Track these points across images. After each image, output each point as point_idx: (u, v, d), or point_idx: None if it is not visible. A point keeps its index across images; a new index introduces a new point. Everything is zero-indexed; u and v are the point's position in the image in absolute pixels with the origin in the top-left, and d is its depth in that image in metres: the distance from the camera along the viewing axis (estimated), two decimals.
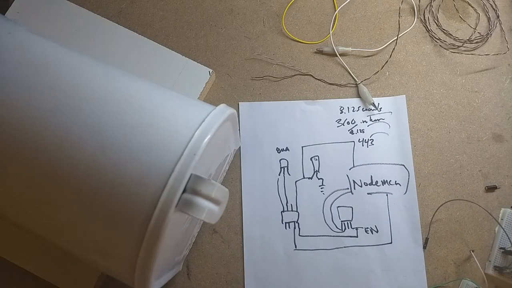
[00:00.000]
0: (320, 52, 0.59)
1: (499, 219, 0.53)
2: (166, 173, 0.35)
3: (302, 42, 0.60)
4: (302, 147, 0.56)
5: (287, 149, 0.56)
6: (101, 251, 0.39)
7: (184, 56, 0.56)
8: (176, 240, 0.43)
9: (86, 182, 0.36)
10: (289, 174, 0.55)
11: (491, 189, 0.54)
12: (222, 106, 0.41)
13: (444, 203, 0.53)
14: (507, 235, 0.51)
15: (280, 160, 0.56)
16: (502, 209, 0.53)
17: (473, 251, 0.52)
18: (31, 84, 0.37)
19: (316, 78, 0.58)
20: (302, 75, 0.58)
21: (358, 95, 0.57)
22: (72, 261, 0.50)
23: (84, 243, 0.39)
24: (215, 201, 0.35)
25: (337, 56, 0.58)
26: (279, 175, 0.55)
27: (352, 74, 0.58)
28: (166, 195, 0.34)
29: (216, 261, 0.53)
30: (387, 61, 0.58)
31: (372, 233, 0.53)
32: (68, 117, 0.37)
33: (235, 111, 0.43)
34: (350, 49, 0.58)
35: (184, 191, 0.35)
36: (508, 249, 0.51)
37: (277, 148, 0.56)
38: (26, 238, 0.50)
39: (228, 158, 0.53)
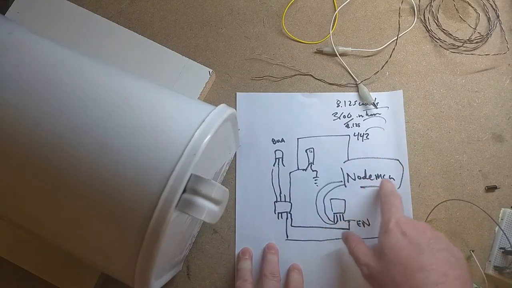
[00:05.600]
0: (320, 52, 0.59)
1: (499, 219, 0.53)
2: (166, 173, 0.35)
3: (302, 42, 0.60)
4: (298, 138, 0.56)
5: (282, 140, 0.56)
6: (101, 251, 0.39)
7: (184, 56, 0.56)
8: (176, 240, 0.43)
9: (86, 182, 0.36)
10: (284, 165, 0.55)
11: (491, 189, 0.54)
12: (222, 106, 0.41)
13: (440, 202, 0.53)
14: (506, 236, 0.51)
15: (275, 151, 0.56)
16: (502, 209, 0.53)
17: (473, 251, 0.52)
18: (31, 84, 0.37)
19: (316, 78, 0.58)
20: (302, 75, 0.58)
21: (358, 95, 0.57)
22: (72, 261, 0.50)
23: (84, 243, 0.39)
24: (215, 201, 0.35)
25: (337, 56, 0.58)
26: (273, 165, 0.55)
27: (352, 74, 0.58)
28: (166, 195, 0.34)
29: (216, 261, 0.53)
30: (387, 61, 0.58)
31: (364, 226, 0.53)
32: (68, 117, 0.37)
33: (235, 111, 0.43)
34: (350, 49, 0.58)
35: (184, 191, 0.35)
36: (508, 249, 0.51)
37: (272, 139, 0.56)
38: (26, 238, 0.50)
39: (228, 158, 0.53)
